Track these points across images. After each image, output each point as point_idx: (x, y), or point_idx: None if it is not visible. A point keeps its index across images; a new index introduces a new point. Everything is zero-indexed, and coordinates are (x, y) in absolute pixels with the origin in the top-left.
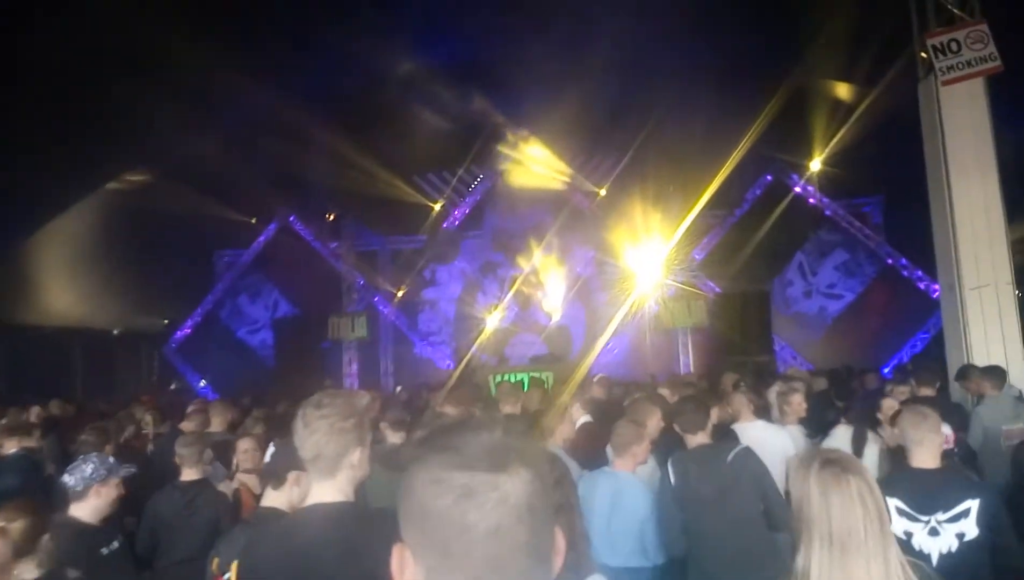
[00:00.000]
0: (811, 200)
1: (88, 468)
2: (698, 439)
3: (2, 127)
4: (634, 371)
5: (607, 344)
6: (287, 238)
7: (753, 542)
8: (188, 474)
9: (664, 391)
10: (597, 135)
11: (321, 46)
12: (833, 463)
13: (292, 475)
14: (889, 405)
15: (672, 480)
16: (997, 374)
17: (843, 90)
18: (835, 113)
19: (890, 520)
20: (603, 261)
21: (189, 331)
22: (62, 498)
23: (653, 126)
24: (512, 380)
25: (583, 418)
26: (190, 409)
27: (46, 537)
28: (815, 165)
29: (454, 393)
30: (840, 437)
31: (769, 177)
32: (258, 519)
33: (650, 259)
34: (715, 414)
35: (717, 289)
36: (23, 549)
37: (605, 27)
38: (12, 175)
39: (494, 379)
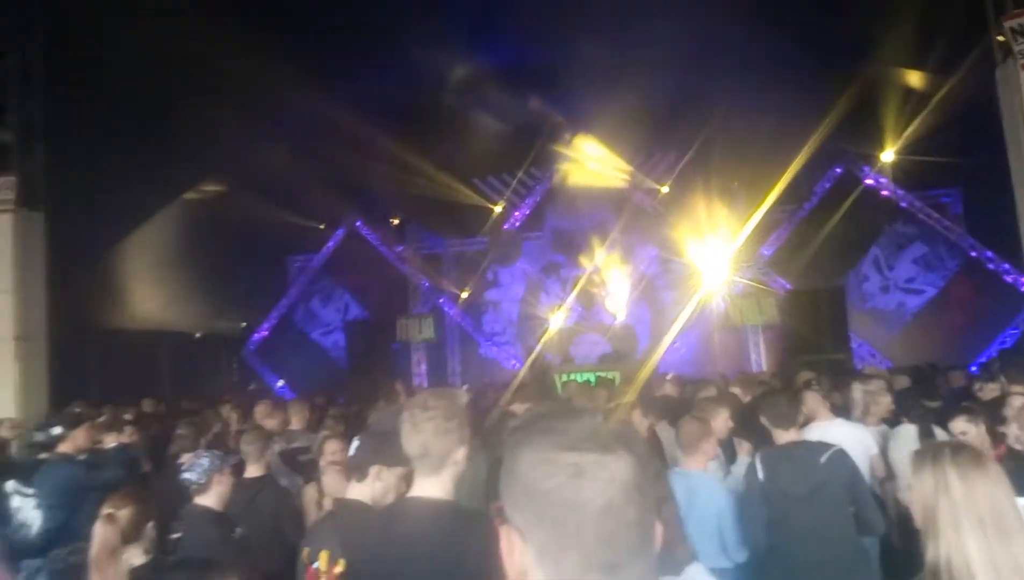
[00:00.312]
0: (884, 192)
1: (205, 461)
2: (789, 435)
3: (90, 143)
4: (702, 370)
5: (673, 343)
6: (355, 242)
7: (840, 545)
8: (252, 470)
9: (736, 390)
10: (659, 131)
11: (383, 53)
12: (966, 449)
13: (374, 469)
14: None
15: (760, 476)
16: None
17: (916, 78)
18: (908, 102)
19: None
20: (667, 259)
21: (266, 333)
22: (184, 494)
23: (718, 120)
24: (579, 379)
25: (645, 423)
26: (260, 408)
27: (150, 524)
28: (887, 156)
29: (521, 391)
30: (905, 436)
31: (839, 169)
32: (342, 510)
33: (716, 256)
34: None
35: (787, 286)
36: (130, 536)
37: (666, 20)
38: (100, 189)
39: (560, 378)
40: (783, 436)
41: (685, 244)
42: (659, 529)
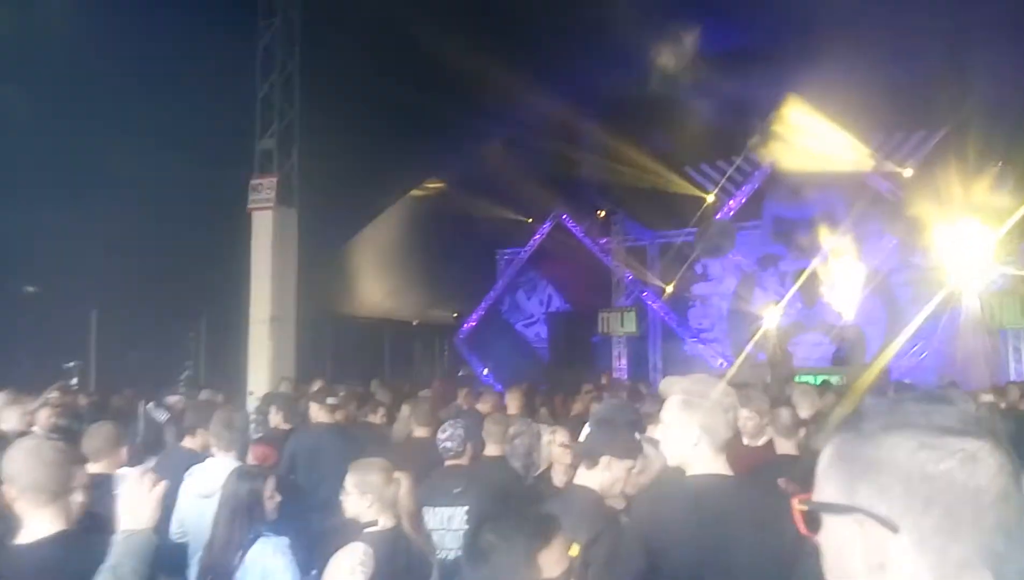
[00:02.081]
0: None
1: (461, 431)
2: None
3: (335, 146)
4: (945, 379)
5: (912, 346)
6: (560, 235)
7: None
8: (492, 450)
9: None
10: (903, 107)
11: (593, 43)
12: None
13: (605, 459)
14: None
15: None
16: None
17: None
18: None
19: None
20: (908, 251)
21: (474, 323)
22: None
23: (980, 91)
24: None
25: None
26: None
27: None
28: None
29: (742, 392)
30: None
31: None
32: (572, 494)
33: (969, 248)
34: None
35: None
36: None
37: None
38: (342, 187)
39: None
40: None
41: (931, 234)
42: None
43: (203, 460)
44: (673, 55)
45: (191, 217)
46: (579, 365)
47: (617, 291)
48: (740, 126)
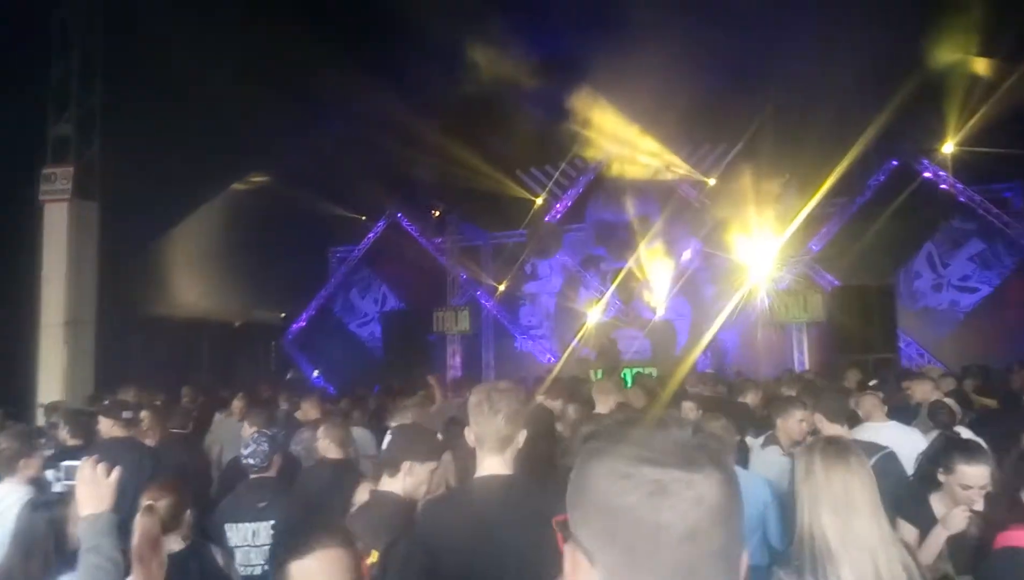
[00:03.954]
0: (943, 185)
1: (265, 447)
2: (842, 432)
3: (143, 136)
4: (745, 369)
5: (714, 340)
6: (395, 234)
7: None
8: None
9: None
10: (707, 122)
11: (428, 43)
12: (836, 442)
13: (406, 464)
14: None
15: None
16: None
17: (982, 66)
18: (972, 91)
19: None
20: (711, 254)
21: (304, 324)
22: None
23: (770, 111)
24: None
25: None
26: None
27: (188, 513)
28: (947, 148)
29: (553, 386)
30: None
31: (895, 162)
32: (376, 502)
33: (762, 251)
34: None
35: (836, 282)
36: (169, 525)
37: (715, 10)
38: (152, 180)
39: (595, 374)
40: (835, 432)
41: (730, 238)
42: (745, 560)
43: None
44: (495, 59)
45: None
46: (415, 364)
47: (452, 290)
48: (565, 133)
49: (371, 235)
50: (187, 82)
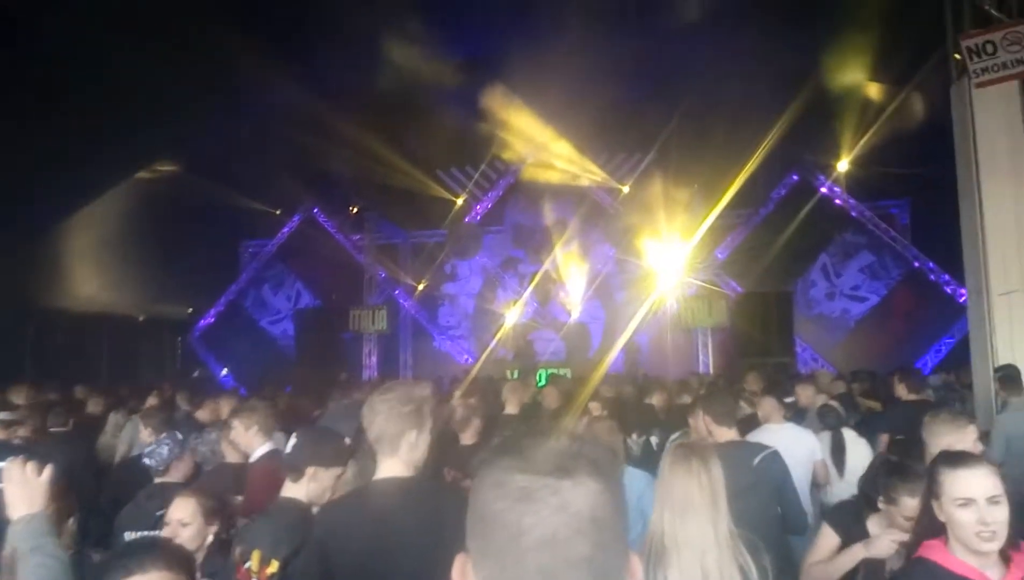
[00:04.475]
0: (837, 201)
1: (164, 450)
2: (730, 434)
3: (34, 115)
4: (654, 370)
5: (626, 342)
6: (311, 230)
7: (767, 541)
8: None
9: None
10: (622, 132)
11: (348, 39)
12: (683, 447)
13: (310, 470)
14: None
15: None
16: (1010, 380)
17: (874, 90)
18: (864, 113)
19: (723, 497)
20: (624, 259)
21: (212, 320)
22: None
23: (678, 123)
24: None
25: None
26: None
27: (72, 519)
28: (842, 166)
29: (469, 386)
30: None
31: (795, 177)
32: (278, 509)
33: (672, 257)
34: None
35: (739, 289)
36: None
37: (631, 23)
38: (43, 162)
39: (511, 374)
40: (725, 434)
41: (642, 244)
42: (636, 564)
43: None
44: (417, 56)
45: None
46: (329, 363)
47: (369, 289)
48: (485, 135)
49: (285, 229)
50: (87, 63)
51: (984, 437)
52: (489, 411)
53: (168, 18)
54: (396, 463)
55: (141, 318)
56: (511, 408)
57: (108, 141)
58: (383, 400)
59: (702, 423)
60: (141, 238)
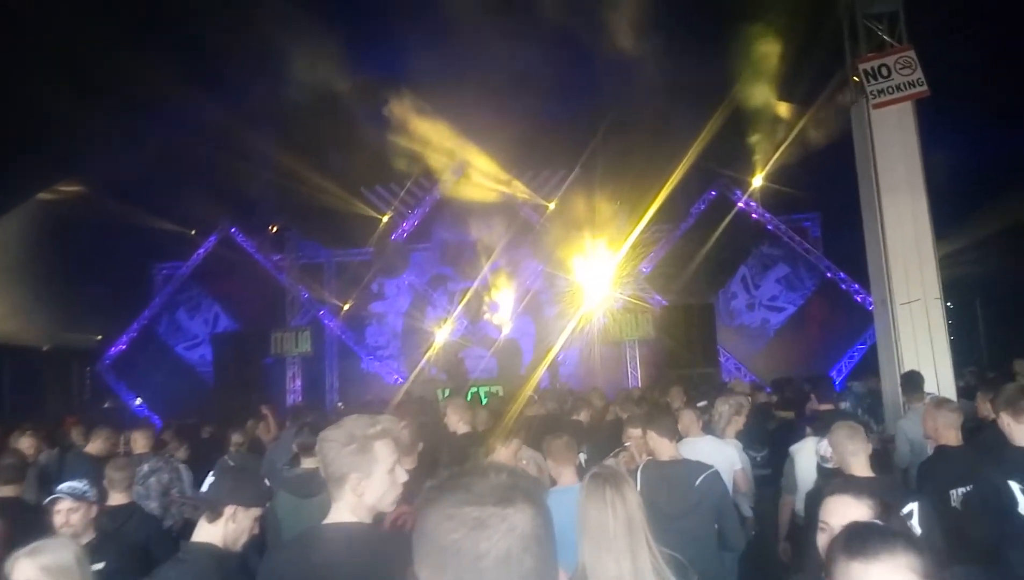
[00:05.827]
0: (754, 215)
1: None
2: (672, 450)
3: None
4: (584, 384)
5: (557, 357)
6: (228, 250)
7: (705, 559)
8: (117, 498)
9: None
10: (547, 149)
11: (264, 56)
12: (597, 476)
13: (229, 509)
14: None
15: (639, 486)
16: (912, 385)
17: (783, 110)
18: (775, 132)
19: (641, 524)
20: (552, 275)
21: (124, 347)
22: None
23: (601, 141)
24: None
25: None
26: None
27: None
28: (757, 181)
29: (400, 407)
30: (807, 451)
31: (713, 192)
32: (190, 555)
33: (598, 272)
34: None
35: (663, 302)
36: None
37: (553, 44)
38: None
39: (443, 393)
40: (668, 450)
41: (569, 260)
42: (561, 576)
43: None
44: (335, 74)
45: None
46: (250, 389)
47: (291, 310)
48: (409, 152)
49: (201, 251)
50: None
51: (890, 441)
52: (431, 432)
53: (69, 33)
54: (342, 508)
55: (45, 347)
56: (462, 427)
57: (6, 160)
58: (326, 438)
59: (646, 438)
60: (44, 262)
